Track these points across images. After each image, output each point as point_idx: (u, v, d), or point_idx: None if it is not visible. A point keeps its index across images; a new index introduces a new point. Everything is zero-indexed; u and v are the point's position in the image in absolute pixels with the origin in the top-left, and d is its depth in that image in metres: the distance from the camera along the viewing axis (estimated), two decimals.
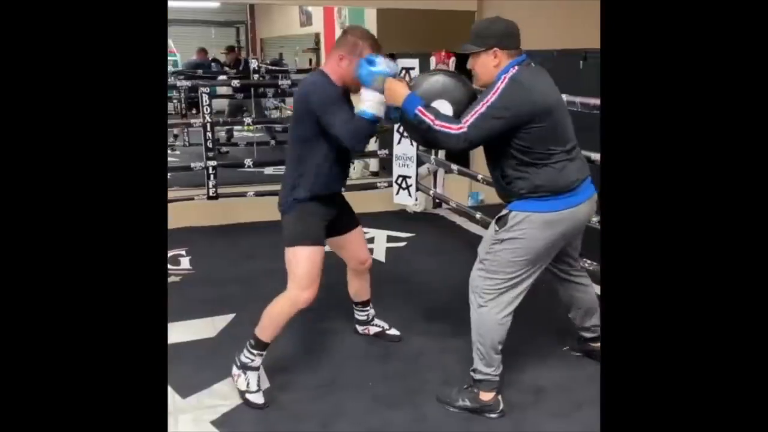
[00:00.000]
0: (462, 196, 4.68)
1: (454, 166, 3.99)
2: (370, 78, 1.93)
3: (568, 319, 2.37)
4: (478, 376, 2.08)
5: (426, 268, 3.43)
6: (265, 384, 2.22)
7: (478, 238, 4.05)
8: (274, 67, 5.87)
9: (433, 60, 4.22)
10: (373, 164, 5.02)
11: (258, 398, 2.10)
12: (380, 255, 3.62)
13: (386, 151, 4.40)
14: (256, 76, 5.43)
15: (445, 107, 1.94)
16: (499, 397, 2.09)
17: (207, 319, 2.72)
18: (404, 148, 4.18)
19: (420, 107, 1.86)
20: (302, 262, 2.06)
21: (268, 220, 4.26)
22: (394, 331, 2.60)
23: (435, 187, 4.51)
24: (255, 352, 2.12)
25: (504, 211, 1.98)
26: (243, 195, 4.09)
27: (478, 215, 3.80)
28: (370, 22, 4.94)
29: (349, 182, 4.68)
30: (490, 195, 4.71)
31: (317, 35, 5.86)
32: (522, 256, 1.94)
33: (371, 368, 2.37)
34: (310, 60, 5.89)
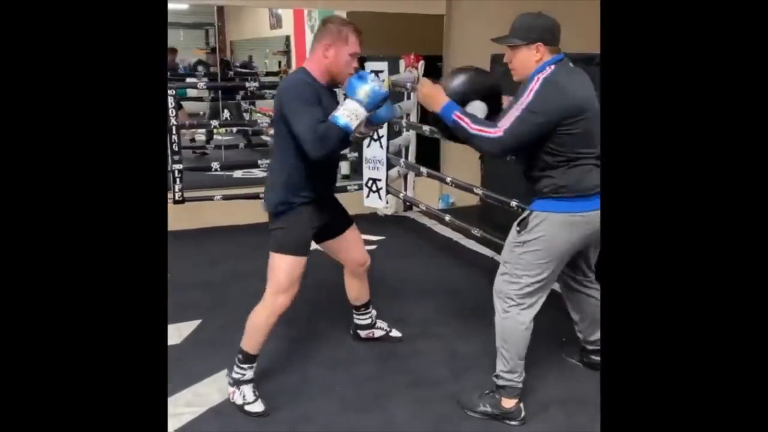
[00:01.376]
0: (432, 198, 4.70)
1: (424, 169, 4.00)
2: (355, 89, 1.87)
3: (570, 329, 2.35)
4: (501, 382, 2.04)
5: (396, 270, 3.43)
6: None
7: (449, 241, 4.12)
8: (242, 70, 5.82)
9: (402, 63, 4.22)
10: (344, 167, 5.00)
11: (257, 407, 2.06)
12: None
13: (356, 154, 4.38)
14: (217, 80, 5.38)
15: (478, 108, 1.97)
16: (521, 404, 2.07)
17: (172, 326, 2.67)
18: (374, 151, 4.17)
19: (457, 112, 1.87)
20: (283, 271, 2.04)
21: (236, 224, 4.23)
22: (395, 333, 2.57)
23: (405, 189, 4.51)
24: (245, 366, 2.08)
25: (524, 213, 1.98)
26: (210, 198, 4.04)
27: (447, 218, 3.81)
28: None
29: None
30: (460, 198, 4.74)
31: (287, 38, 5.83)
32: (544, 258, 1.93)
33: (339, 372, 2.35)
34: (280, 62, 5.85)
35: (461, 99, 1.96)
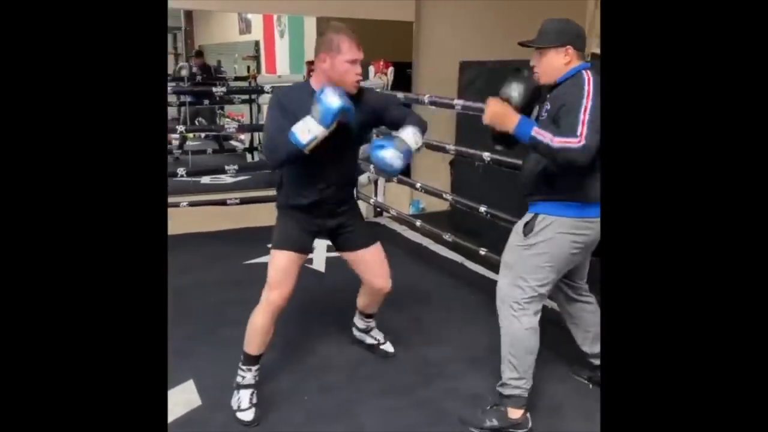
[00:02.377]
0: (403, 204, 4.70)
1: None
2: (313, 106, 1.83)
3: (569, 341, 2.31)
4: (507, 392, 2.00)
5: None
6: (197, 403, 2.14)
7: (419, 246, 4.12)
8: (206, 75, 5.74)
9: (371, 69, 4.22)
10: None
11: (246, 415, 2.06)
12: (320, 265, 3.57)
13: None
14: (189, 84, 5.29)
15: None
16: (528, 414, 2.03)
17: None
18: None
19: (535, 128, 1.76)
20: (276, 265, 2.09)
21: (203, 231, 4.16)
22: (388, 347, 2.54)
23: (376, 195, 4.50)
24: (245, 367, 2.10)
25: (528, 216, 1.95)
26: (176, 205, 3.96)
27: (418, 223, 3.81)
28: (310, 30, 4.91)
29: None
30: (430, 203, 4.75)
31: (257, 43, 5.78)
32: (551, 261, 1.91)
33: (307, 381, 2.32)
34: (248, 67, 5.80)
35: (527, 111, 1.90)
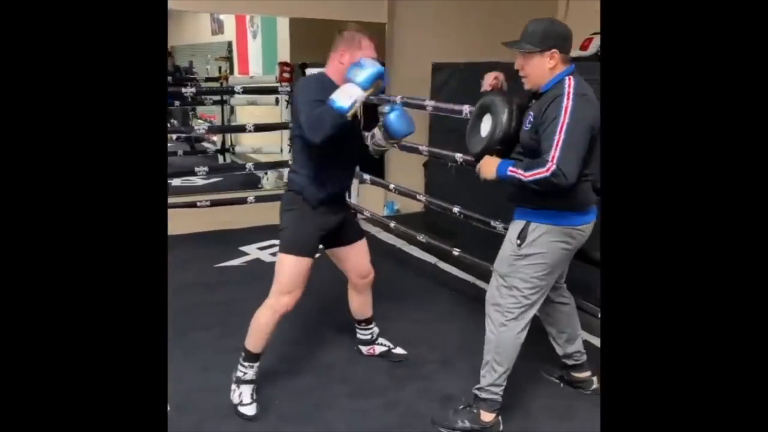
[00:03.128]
0: (377, 205, 4.68)
1: (367, 176, 3.99)
2: (351, 73, 1.90)
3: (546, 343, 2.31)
4: (484, 395, 2.01)
5: (340, 278, 3.38)
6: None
7: (393, 248, 4.11)
8: (178, 74, 5.67)
9: None
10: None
11: (249, 410, 2.08)
12: None
13: None
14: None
15: (485, 125, 1.99)
16: (500, 417, 2.03)
17: None
18: None
19: (510, 168, 1.82)
20: (287, 270, 2.07)
21: (173, 233, 4.05)
22: (399, 350, 2.51)
23: (350, 197, 4.48)
24: (246, 364, 2.12)
25: (520, 224, 1.93)
26: None
27: (392, 224, 3.80)
28: (283, 31, 4.88)
29: (261, 193, 4.63)
30: (405, 204, 4.74)
31: (229, 44, 5.73)
32: (543, 271, 1.91)
33: (278, 385, 2.29)
34: (220, 68, 5.74)
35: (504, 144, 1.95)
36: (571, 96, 1.74)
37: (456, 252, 3.18)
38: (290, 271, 2.06)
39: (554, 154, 1.70)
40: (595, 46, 3.51)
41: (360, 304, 2.43)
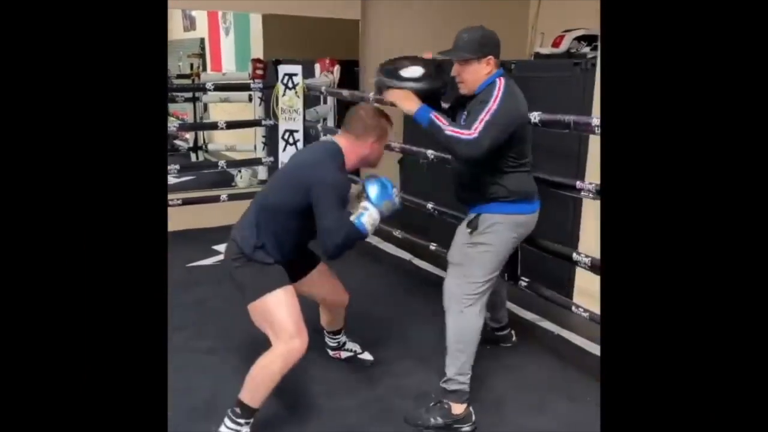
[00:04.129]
0: (352, 203, 4.67)
1: None
2: (382, 201, 1.92)
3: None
4: (452, 386, 2.03)
5: None
6: None
7: (368, 245, 4.10)
8: None
9: (317, 67, 4.19)
10: (262, 172, 4.89)
11: None
12: None
13: (272, 159, 4.30)
14: None
15: (413, 70, 2.02)
16: (470, 408, 2.05)
17: None
18: (290, 155, 4.10)
19: (435, 113, 1.89)
20: (277, 309, 1.86)
21: None
22: (366, 356, 2.47)
23: None
24: (241, 421, 1.86)
25: (471, 216, 2.06)
26: None
27: None
28: (256, 28, 4.82)
29: (235, 191, 4.58)
30: None
31: (202, 40, 5.65)
32: (497, 256, 2.04)
33: None
34: (191, 65, 5.66)
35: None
36: (501, 88, 1.89)
37: (433, 246, 3.19)
38: (281, 308, 1.86)
39: (478, 126, 1.83)
40: (566, 43, 3.55)
41: (333, 319, 2.40)
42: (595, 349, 2.60)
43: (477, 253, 2.03)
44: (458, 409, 2.03)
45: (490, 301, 2.35)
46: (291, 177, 1.97)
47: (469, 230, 2.04)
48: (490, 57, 1.94)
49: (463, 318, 2.03)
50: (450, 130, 1.85)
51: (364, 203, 1.92)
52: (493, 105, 1.85)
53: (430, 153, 2.95)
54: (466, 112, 1.98)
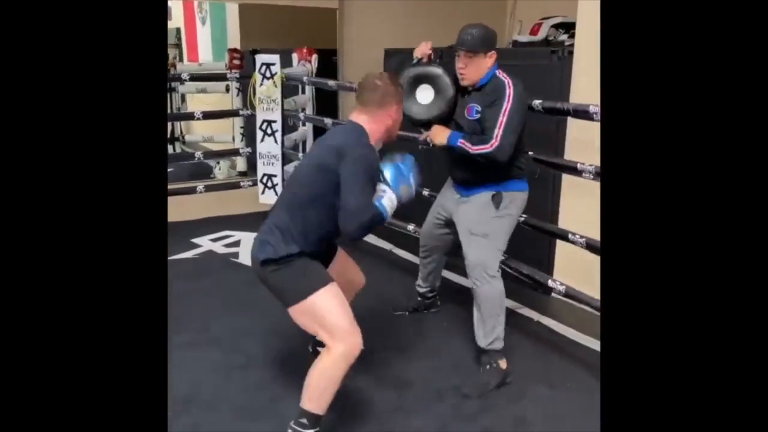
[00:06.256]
0: None
1: None
2: (399, 183, 1.89)
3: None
4: (497, 345, 2.23)
5: None
6: None
7: None
8: None
9: (294, 57, 4.14)
10: (240, 164, 4.84)
11: None
12: (246, 258, 3.47)
13: (249, 150, 4.25)
14: None
15: (425, 94, 2.26)
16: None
17: None
18: (269, 146, 4.06)
19: (461, 140, 2.14)
20: (327, 309, 1.79)
21: None
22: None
23: None
24: (311, 431, 1.77)
25: (489, 194, 2.24)
26: None
27: None
28: (232, 17, 4.76)
29: (212, 182, 4.52)
30: None
31: (178, 30, 5.56)
32: (512, 229, 2.30)
33: (231, 380, 2.25)
34: (167, 56, 5.57)
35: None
36: (511, 86, 2.11)
37: (411, 227, 3.22)
38: (331, 307, 1.79)
39: (498, 133, 2.07)
40: (544, 31, 3.55)
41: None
42: (575, 335, 2.63)
43: (503, 224, 2.25)
44: (504, 363, 2.23)
45: (432, 267, 2.65)
46: (317, 162, 1.86)
47: (495, 205, 2.23)
48: (492, 52, 2.14)
49: (497, 282, 2.22)
50: (475, 149, 2.11)
51: (383, 186, 1.87)
52: (507, 105, 2.07)
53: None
54: (477, 107, 2.16)
